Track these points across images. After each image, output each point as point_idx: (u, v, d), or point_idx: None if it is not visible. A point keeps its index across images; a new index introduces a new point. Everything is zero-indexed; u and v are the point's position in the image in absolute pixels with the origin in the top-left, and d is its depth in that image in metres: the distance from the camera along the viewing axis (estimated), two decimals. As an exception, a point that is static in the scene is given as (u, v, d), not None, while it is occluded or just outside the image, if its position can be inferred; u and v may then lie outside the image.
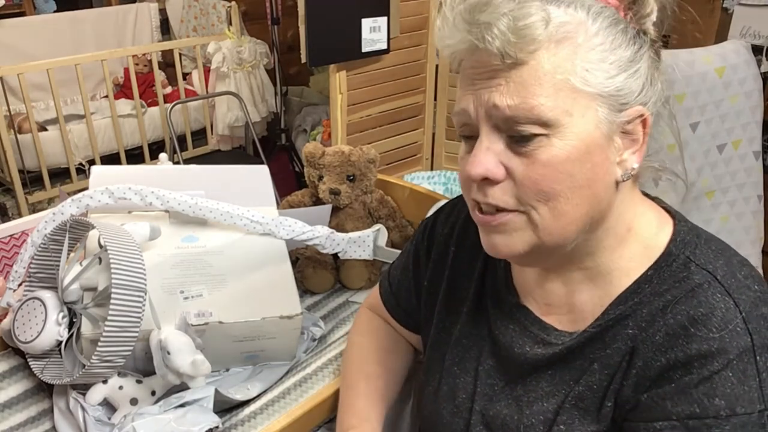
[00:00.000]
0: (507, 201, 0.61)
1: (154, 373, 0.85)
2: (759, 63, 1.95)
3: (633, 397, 0.62)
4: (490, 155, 0.60)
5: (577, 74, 0.58)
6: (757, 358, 0.57)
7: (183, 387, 0.86)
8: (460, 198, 0.88)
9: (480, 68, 0.60)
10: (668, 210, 0.70)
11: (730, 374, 0.57)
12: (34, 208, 3.04)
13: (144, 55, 3.54)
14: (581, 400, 0.66)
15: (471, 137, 0.63)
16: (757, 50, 2.01)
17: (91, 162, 3.18)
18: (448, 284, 0.83)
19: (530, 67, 0.57)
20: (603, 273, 0.67)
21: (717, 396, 0.57)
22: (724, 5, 2.07)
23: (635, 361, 0.62)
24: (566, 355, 0.68)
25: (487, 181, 0.61)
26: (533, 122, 0.58)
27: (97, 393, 0.85)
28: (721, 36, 2.10)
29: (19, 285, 0.95)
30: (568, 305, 0.70)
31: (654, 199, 0.71)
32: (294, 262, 1.17)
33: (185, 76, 3.66)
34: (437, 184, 1.82)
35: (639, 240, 0.66)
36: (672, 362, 0.60)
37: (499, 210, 0.62)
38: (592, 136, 0.59)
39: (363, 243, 1.15)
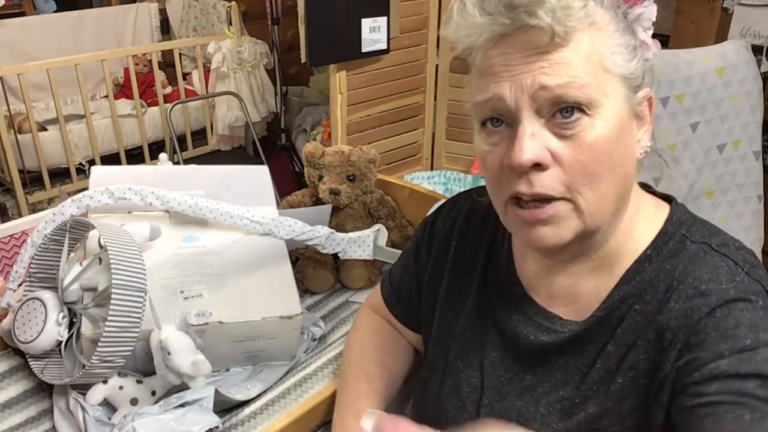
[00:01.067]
0: (555, 188, 0.60)
1: (155, 373, 0.85)
2: (759, 63, 1.95)
3: (677, 363, 0.60)
4: (536, 141, 0.59)
5: (607, 56, 0.60)
6: None
7: (183, 387, 0.86)
8: (460, 195, 0.88)
9: (515, 53, 0.59)
10: (663, 196, 0.73)
11: (761, 312, 0.59)
12: (34, 208, 3.04)
13: (144, 55, 3.54)
14: (600, 384, 0.66)
15: (498, 126, 0.62)
16: (757, 50, 2.01)
17: (91, 162, 3.18)
18: (449, 279, 0.83)
19: (571, 49, 0.58)
20: (609, 260, 0.68)
21: (760, 329, 0.57)
22: (724, 5, 2.07)
23: (665, 334, 0.61)
24: (575, 341, 0.68)
25: (535, 169, 0.60)
26: (580, 101, 0.58)
27: (97, 393, 0.85)
28: (721, 36, 2.10)
29: (19, 285, 0.95)
30: (572, 296, 0.71)
31: (647, 187, 0.73)
32: (294, 262, 1.17)
33: (185, 76, 3.66)
34: (437, 184, 1.82)
35: (642, 220, 0.68)
36: (700, 319, 0.60)
37: (544, 200, 0.61)
38: (622, 116, 0.61)
39: (363, 243, 1.15)
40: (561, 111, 0.59)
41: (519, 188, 0.61)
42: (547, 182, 0.60)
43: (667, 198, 0.72)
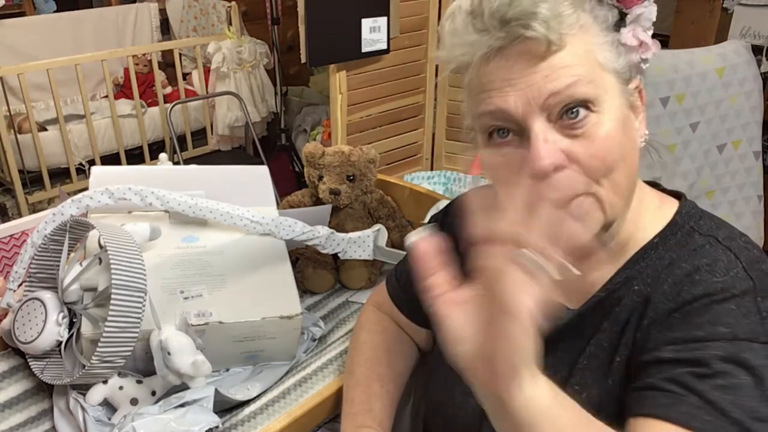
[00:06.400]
0: (577, 184, 0.61)
1: (155, 373, 0.85)
2: (759, 63, 1.95)
3: (643, 341, 0.64)
4: (549, 145, 0.60)
5: (599, 54, 0.62)
6: (758, 299, 0.60)
7: (183, 387, 0.86)
8: (469, 192, 0.89)
9: (514, 65, 0.60)
10: (671, 192, 0.74)
11: (734, 307, 0.59)
12: (34, 208, 3.04)
13: (144, 55, 3.54)
14: (592, 359, 0.67)
15: (505, 137, 0.63)
16: (757, 50, 2.01)
17: (91, 162, 3.18)
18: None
19: (568, 52, 0.60)
20: (618, 250, 0.69)
21: (720, 324, 0.59)
22: (724, 5, 2.07)
23: (647, 311, 0.64)
24: (577, 323, 0.70)
25: (554, 172, 0.61)
26: (589, 97, 0.60)
27: (97, 393, 0.85)
28: (721, 36, 2.10)
29: (19, 285, 0.95)
30: (578, 285, 0.72)
31: (654, 184, 0.75)
32: (294, 262, 1.17)
33: (185, 76, 3.66)
34: (437, 184, 1.82)
35: (647, 211, 0.70)
36: (679, 304, 0.62)
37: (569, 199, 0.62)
38: (621, 109, 0.64)
39: (363, 243, 1.15)
40: (567, 112, 0.60)
41: (547, 195, 0.62)
42: (568, 180, 0.61)
43: (675, 194, 0.74)
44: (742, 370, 0.56)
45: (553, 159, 0.60)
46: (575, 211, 0.62)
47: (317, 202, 1.29)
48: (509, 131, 0.63)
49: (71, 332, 0.91)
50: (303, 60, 1.75)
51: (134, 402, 0.86)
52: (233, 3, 3.33)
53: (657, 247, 0.68)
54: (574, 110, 0.60)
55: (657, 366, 0.60)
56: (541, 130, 0.61)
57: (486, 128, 0.64)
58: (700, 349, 0.58)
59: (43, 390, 0.93)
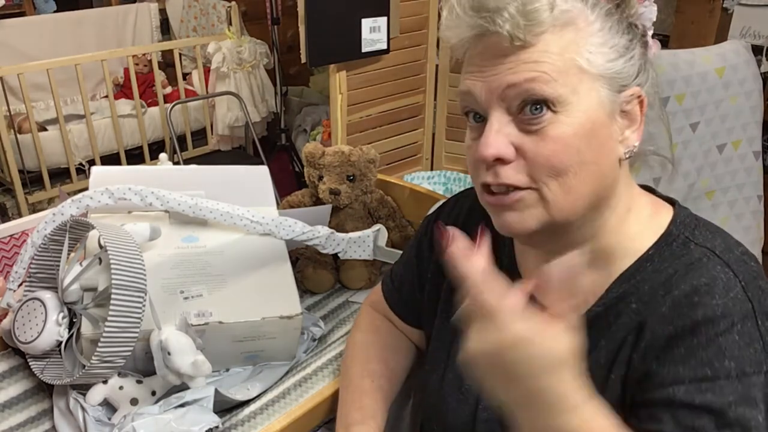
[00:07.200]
0: (519, 179, 0.62)
1: (155, 373, 0.85)
2: (759, 63, 1.95)
3: (641, 367, 0.63)
4: (500, 136, 0.62)
5: (582, 56, 0.61)
6: (759, 322, 0.60)
7: (183, 387, 0.86)
8: (462, 193, 0.90)
9: (487, 54, 0.62)
10: (666, 198, 0.73)
11: (737, 337, 0.59)
12: (34, 208, 3.04)
13: (144, 55, 3.54)
14: (588, 376, 0.67)
15: (479, 122, 0.65)
16: (757, 50, 2.01)
17: (91, 162, 3.18)
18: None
19: (538, 49, 0.60)
20: (605, 255, 0.69)
21: (726, 357, 0.59)
22: (724, 5, 2.07)
23: (644, 334, 0.64)
24: None
25: (498, 162, 0.62)
26: (546, 96, 0.60)
27: (97, 393, 0.85)
28: (721, 36, 2.09)
29: (19, 285, 0.95)
30: (570, 290, 0.71)
31: (649, 189, 0.74)
32: (294, 262, 1.17)
33: (185, 76, 3.66)
34: (437, 184, 1.82)
35: (638, 220, 0.69)
36: (679, 330, 0.61)
37: (511, 189, 0.63)
38: (596, 114, 0.62)
39: (363, 243, 1.15)
40: (530, 107, 0.61)
41: (486, 179, 0.64)
42: (510, 174, 0.62)
43: (669, 201, 0.73)
44: (754, 410, 0.57)
45: (497, 149, 0.61)
46: (513, 198, 0.63)
47: (317, 202, 1.29)
48: (482, 117, 0.65)
49: (71, 332, 0.91)
50: (303, 60, 1.75)
51: (134, 402, 0.86)
52: (233, 3, 3.33)
53: (652, 259, 0.67)
54: (538, 106, 0.60)
55: (670, 409, 0.60)
56: (497, 119, 0.62)
57: (462, 107, 0.66)
58: (712, 391, 0.58)
59: (43, 390, 0.93)
